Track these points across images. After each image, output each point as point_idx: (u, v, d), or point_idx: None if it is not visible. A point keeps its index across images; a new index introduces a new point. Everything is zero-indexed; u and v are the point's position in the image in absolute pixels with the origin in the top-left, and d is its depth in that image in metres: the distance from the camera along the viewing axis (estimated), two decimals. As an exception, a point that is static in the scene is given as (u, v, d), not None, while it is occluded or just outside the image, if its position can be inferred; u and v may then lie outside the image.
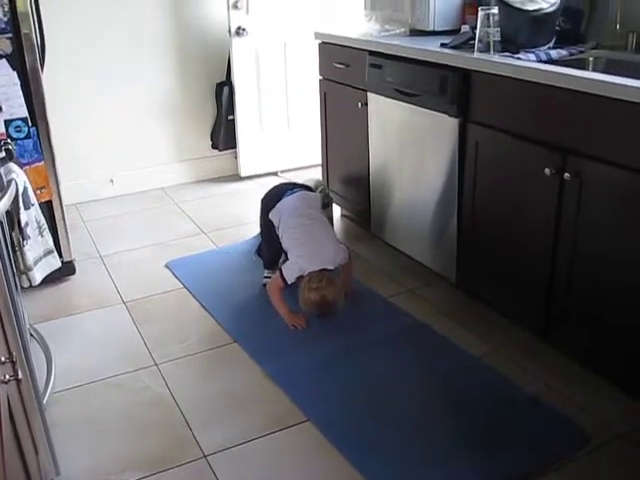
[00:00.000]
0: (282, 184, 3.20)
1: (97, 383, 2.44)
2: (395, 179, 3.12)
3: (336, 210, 3.70)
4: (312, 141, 4.07)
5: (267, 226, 2.96)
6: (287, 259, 2.80)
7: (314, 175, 3.81)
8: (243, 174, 4.51)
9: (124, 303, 2.99)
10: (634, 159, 1.95)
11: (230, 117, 4.39)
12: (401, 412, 2.22)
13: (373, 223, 3.39)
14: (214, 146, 4.51)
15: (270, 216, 2.91)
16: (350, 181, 3.56)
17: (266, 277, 3.02)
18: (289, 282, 2.69)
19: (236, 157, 4.52)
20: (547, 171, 2.20)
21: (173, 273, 3.25)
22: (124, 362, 2.56)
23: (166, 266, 3.32)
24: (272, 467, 2.03)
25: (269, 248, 3.04)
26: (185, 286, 3.11)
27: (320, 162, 3.83)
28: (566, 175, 2.14)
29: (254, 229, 3.60)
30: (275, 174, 4.54)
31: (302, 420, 2.20)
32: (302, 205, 2.90)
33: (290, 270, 2.70)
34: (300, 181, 3.48)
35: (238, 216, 3.92)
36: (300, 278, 2.68)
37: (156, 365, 2.53)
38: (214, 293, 3.04)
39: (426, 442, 2.08)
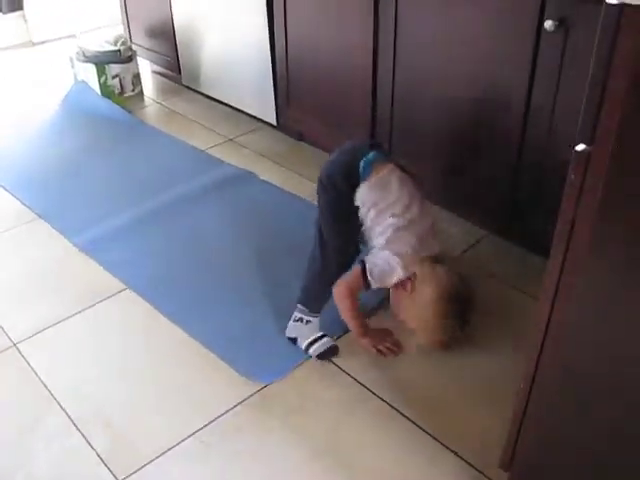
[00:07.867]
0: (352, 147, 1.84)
1: None
2: (202, 22, 2.83)
3: (144, 66, 3.37)
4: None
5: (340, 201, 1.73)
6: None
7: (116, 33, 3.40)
8: (36, 40, 4.06)
9: None
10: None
11: (10, -28, 3.83)
12: (222, 262, 2.08)
13: (184, 74, 3.11)
14: (-4, 9, 3.94)
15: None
16: (154, 31, 3.20)
17: (298, 319, 1.76)
18: (373, 285, 1.64)
19: (25, 20, 4.00)
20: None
21: (-41, 154, 2.83)
22: None
23: (-50, 147, 2.89)
24: (94, 342, 1.83)
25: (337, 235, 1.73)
26: (-25, 165, 2.73)
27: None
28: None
29: (56, 98, 3.23)
30: (73, 37, 4.07)
31: (121, 289, 1.99)
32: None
33: (382, 264, 1.63)
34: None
35: (37, 85, 3.47)
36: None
37: (-54, 254, 2.21)
38: (11, 167, 2.68)
39: (248, 288, 1.96)
